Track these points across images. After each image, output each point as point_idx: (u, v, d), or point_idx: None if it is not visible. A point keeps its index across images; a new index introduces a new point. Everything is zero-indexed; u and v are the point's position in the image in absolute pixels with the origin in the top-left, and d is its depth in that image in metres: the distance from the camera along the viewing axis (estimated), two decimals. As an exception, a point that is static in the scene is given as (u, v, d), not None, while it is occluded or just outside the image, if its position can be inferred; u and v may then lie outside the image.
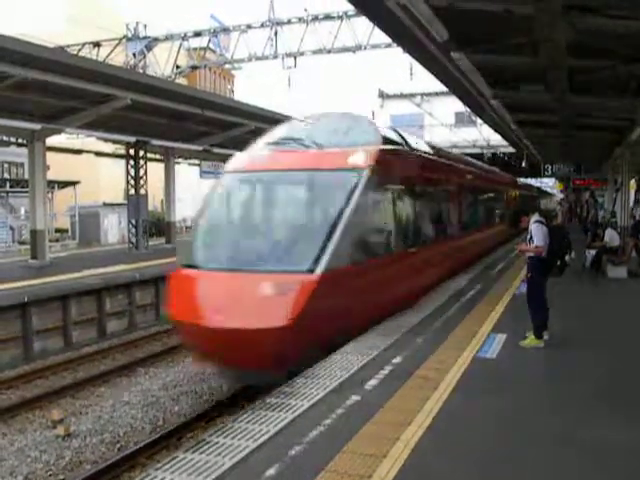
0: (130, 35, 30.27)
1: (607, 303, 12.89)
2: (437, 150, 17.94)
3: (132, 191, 28.73)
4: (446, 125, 40.72)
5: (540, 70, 11.20)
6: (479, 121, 32.55)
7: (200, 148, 29.45)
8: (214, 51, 33.86)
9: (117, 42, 30.23)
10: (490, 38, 9.79)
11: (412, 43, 11.19)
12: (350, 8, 23.43)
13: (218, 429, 6.15)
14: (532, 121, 19.92)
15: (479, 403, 6.72)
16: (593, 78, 11.72)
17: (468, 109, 22.49)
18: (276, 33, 27.66)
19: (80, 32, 32.83)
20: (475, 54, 10.40)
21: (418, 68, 16.61)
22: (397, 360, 8.32)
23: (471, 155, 29.75)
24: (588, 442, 5.68)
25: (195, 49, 31.80)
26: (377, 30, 17.79)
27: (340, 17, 26.25)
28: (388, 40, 21.24)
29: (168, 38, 30.65)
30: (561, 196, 54.94)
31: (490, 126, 26.11)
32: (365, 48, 26.28)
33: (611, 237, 17.68)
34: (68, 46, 29.74)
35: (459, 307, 12.10)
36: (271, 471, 5.06)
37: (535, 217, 9.42)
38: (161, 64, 30.64)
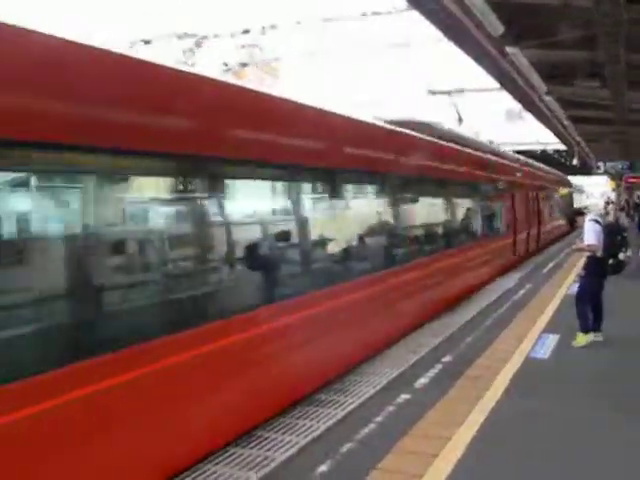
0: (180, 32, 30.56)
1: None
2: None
3: None
4: (496, 122, 40.07)
5: (597, 65, 10.95)
6: (529, 117, 32.01)
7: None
8: (262, 48, 33.99)
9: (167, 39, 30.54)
10: (546, 32, 9.60)
11: (465, 38, 11.03)
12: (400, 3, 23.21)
13: (269, 424, 6.15)
14: (585, 117, 19.55)
15: (532, 404, 6.56)
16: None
17: (520, 105, 22.17)
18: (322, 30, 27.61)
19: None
20: (530, 49, 10.22)
21: (466, 62, 16.42)
22: (447, 359, 8.22)
23: (521, 153, 29.36)
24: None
25: (243, 46, 31.95)
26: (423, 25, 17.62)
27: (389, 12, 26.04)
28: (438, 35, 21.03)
29: (217, 35, 30.84)
30: (612, 195, 53.56)
31: (541, 122, 25.68)
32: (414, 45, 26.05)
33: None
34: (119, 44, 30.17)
35: (510, 306, 11.93)
36: (323, 468, 5.03)
37: (590, 216, 9.28)
38: (210, 62, 30.88)
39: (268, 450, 5.52)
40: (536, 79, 13.10)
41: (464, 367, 7.80)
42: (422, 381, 7.29)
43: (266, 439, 5.76)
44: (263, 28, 31.76)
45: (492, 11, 8.56)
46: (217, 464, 5.27)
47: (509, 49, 10.28)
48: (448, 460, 5.17)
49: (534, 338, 9.28)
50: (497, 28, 9.19)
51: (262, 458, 5.36)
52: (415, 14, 10.93)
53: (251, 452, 5.50)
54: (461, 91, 41.38)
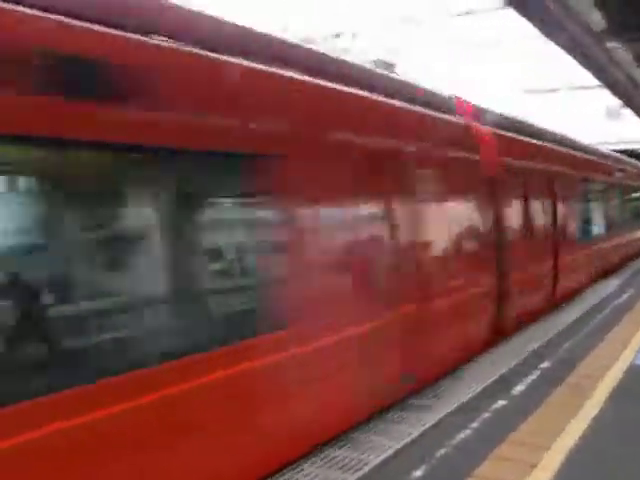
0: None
1: None
2: None
3: None
4: (596, 120, 38.55)
5: None
6: (631, 115, 30.75)
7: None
8: (353, 52, 34.11)
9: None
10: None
11: (563, 34, 10.71)
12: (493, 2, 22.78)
13: (363, 427, 6.14)
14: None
15: (637, 413, 6.28)
16: None
17: (621, 102, 21.30)
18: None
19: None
20: (633, 43, 9.82)
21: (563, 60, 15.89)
22: (545, 365, 8.00)
23: (621, 152, 28.12)
24: None
25: (335, 51, 32.15)
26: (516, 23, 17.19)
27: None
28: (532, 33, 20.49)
29: (307, 40, 31.13)
30: None
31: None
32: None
33: None
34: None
35: (612, 310, 11.49)
36: (418, 472, 4.97)
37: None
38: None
39: (363, 453, 5.51)
40: (638, 74, 12.59)
41: (564, 373, 7.56)
42: (519, 387, 7.11)
43: (361, 442, 5.75)
44: (353, 34, 31.81)
45: (593, 6, 8.29)
46: (311, 465, 5.29)
47: (610, 44, 9.92)
48: (548, 469, 5.01)
49: (638, 344, 8.90)
50: (598, 23, 8.90)
51: (357, 461, 5.35)
52: (509, 12, 10.69)
53: (346, 454, 5.50)
54: (555, 90, 40.02)
